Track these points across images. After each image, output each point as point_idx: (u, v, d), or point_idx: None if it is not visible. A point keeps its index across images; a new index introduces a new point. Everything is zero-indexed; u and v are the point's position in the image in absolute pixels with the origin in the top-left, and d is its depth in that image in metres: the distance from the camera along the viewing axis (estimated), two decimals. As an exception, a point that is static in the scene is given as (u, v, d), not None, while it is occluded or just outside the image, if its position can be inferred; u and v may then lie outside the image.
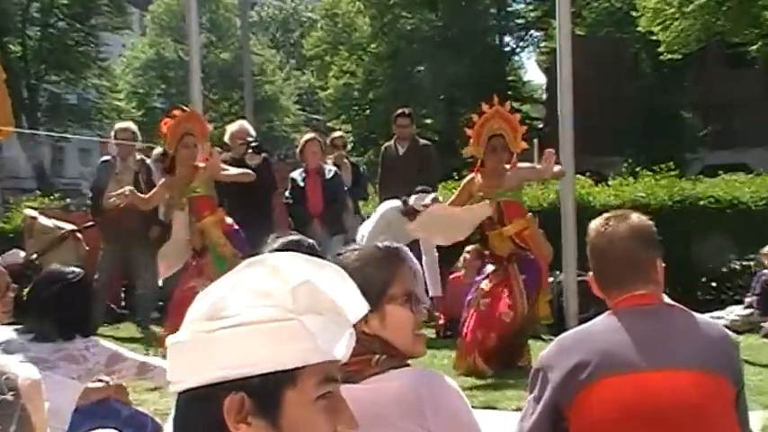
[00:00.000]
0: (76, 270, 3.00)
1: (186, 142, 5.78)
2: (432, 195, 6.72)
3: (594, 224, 2.13)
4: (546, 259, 5.61)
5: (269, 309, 1.04)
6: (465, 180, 5.79)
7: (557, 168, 5.53)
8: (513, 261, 5.52)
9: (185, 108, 6.10)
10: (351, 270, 1.79)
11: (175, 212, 5.85)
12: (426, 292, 7.26)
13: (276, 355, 1.03)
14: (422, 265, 7.34)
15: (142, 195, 6.13)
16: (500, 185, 5.52)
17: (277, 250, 2.65)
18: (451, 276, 7.47)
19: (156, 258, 7.46)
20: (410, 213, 6.90)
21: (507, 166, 5.58)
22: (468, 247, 7.27)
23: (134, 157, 7.68)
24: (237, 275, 1.08)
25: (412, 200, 6.95)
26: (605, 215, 2.15)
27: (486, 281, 5.62)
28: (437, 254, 7.43)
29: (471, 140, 5.61)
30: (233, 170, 6.00)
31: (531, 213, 5.73)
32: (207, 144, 5.86)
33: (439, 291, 7.40)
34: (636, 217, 2.11)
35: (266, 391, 1.03)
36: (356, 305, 1.12)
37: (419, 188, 6.90)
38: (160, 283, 8.49)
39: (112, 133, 7.70)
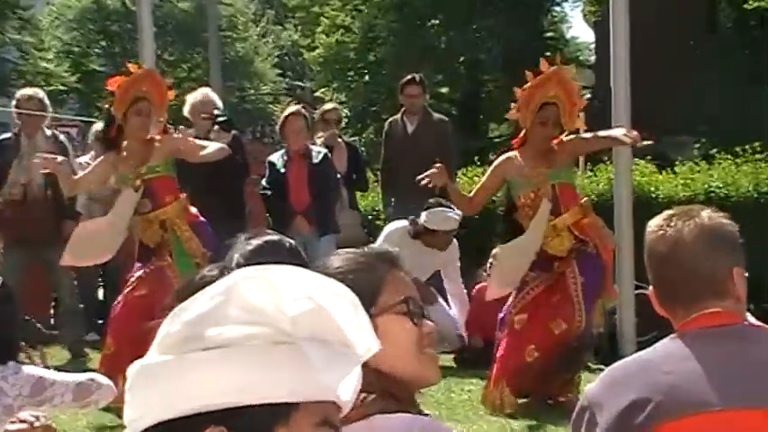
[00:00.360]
0: None
1: (140, 108, 5.77)
2: (451, 213, 6.76)
3: (654, 224, 2.14)
4: (610, 254, 5.64)
5: (261, 328, 1.06)
6: (498, 160, 5.80)
7: (633, 134, 5.52)
8: (572, 259, 5.54)
9: (141, 65, 6.10)
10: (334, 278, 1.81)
11: (125, 191, 5.79)
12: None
13: (266, 383, 1.05)
14: (446, 299, 7.37)
15: (73, 174, 6.13)
16: (551, 166, 5.54)
17: (249, 255, 2.66)
18: (477, 286, 7.50)
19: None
20: (421, 234, 6.97)
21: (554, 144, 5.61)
22: (496, 250, 7.28)
23: (43, 133, 7.62)
24: (223, 289, 1.10)
25: (423, 217, 7.00)
26: (668, 212, 2.16)
27: (526, 291, 5.62)
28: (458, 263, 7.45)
29: (518, 104, 5.61)
30: (203, 144, 5.98)
31: (586, 198, 5.77)
32: (163, 115, 5.87)
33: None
34: (708, 214, 2.11)
35: (252, 426, 1.05)
36: (368, 340, 1.14)
37: (431, 200, 6.95)
38: (101, 295, 8.58)
39: (14, 103, 7.66)
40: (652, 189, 8.63)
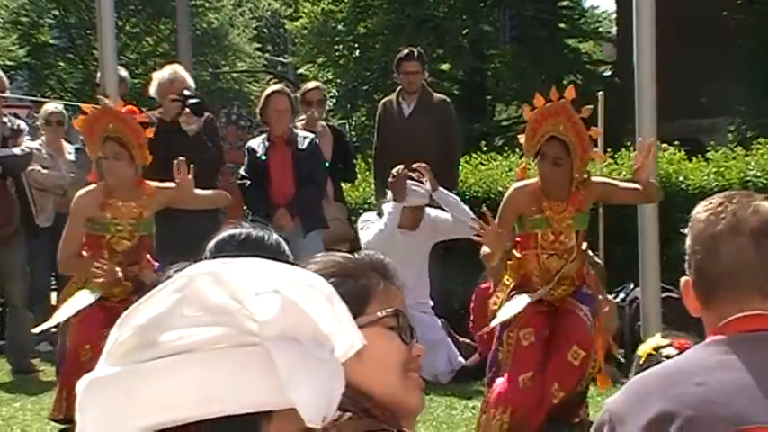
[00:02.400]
0: None
1: (106, 151, 5.69)
2: (416, 187, 6.88)
3: (705, 206, 2.11)
4: (600, 297, 5.79)
5: (222, 328, 1.06)
6: (509, 194, 5.83)
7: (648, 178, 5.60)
8: (566, 300, 5.65)
9: (101, 99, 6.04)
10: None
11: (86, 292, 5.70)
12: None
13: (231, 393, 1.05)
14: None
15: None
16: (577, 209, 5.60)
17: (224, 249, 2.68)
18: (481, 286, 7.54)
19: (23, 259, 7.56)
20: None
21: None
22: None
23: (0, 119, 7.69)
24: (178, 286, 1.10)
25: (388, 196, 7.14)
26: (722, 195, 2.15)
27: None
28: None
29: (527, 130, 5.67)
30: (201, 193, 5.92)
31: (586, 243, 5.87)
32: (145, 158, 5.76)
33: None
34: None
35: None
36: (348, 335, 1.14)
37: (413, 175, 7.04)
38: (53, 300, 8.59)
39: None
40: (681, 178, 8.65)
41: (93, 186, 5.84)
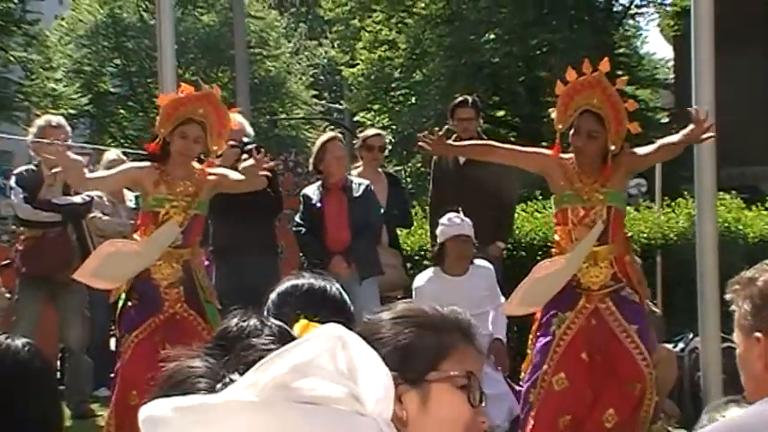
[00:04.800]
0: (24, 341, 2.94)
1: (185, 130, 5.80)
2: (455, 216, 6.90)
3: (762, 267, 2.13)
4: (645, 303, 5.64)
5: (346, 392, 1.14)
6: (544, 151, 5.81)
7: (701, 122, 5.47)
8: (605, 299, 5.51)
9: (204, 84, 6.17)
10: (387, 330, 1.83)
11: (169, 224, 5.83)
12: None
13: None
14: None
15: (91, 174, 6.24)
16: (605, 183, 5.52)
17: (287, 300, 2.69)
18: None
19: (83, 304, 7.65)
20: (441, 259, 7.14)
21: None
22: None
23: None
24: (326, 344, 1.18)
25: (439, 230, 7.15)
26: None
27: (555, 344, 5.56)
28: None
29: (558, 105, 5.62)
30: (234, 175, 6.02)
31: (631, 233, 5.76)
32: (221, 147, 5.91)
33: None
34: None
35: None
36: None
37: (451, 211, 7.07)
38: (113, 345, 8.66)
39: (33, 130, 7.87)
40: (740, 227, 8.56)
41: (149, 163, 5.94)
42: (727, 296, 2.26)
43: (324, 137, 7.87)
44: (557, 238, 5.73)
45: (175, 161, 5.84)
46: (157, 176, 5.85)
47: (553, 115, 5.62)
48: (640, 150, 5.66)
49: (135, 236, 6.02)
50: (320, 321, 2.41)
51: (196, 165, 5.94)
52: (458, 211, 7.19)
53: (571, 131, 5.56)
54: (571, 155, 5.63)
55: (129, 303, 5.84)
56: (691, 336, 7.34)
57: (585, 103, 5.50)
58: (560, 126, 5.56)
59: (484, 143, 5.91)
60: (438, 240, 7.33)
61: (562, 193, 5.62)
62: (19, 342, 2.86)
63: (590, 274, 5.52)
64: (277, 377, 1.15)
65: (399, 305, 1.92)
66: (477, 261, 7.35)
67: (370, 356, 1.16)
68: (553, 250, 5.75)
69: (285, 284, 2.79)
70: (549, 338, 5.54)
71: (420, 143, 5.85)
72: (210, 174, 5.90)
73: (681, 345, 7.59)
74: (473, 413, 1.81)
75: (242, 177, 5.90)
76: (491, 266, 7.43)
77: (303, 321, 2.43)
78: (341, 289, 2.72)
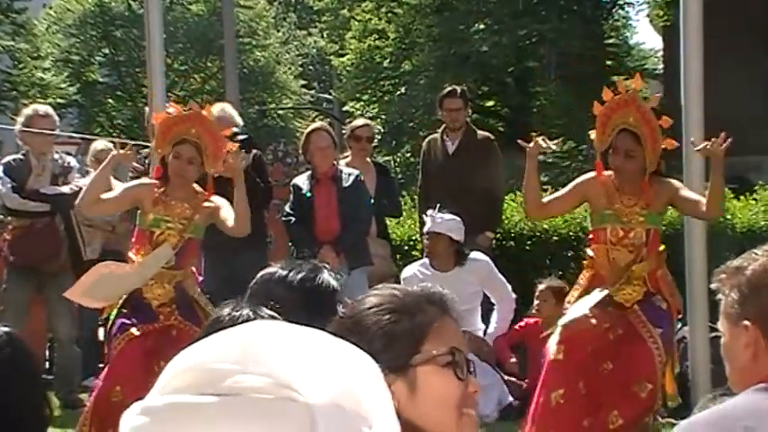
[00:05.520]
0: (1, 330, 2.94)
1: (179, 151, 5.74)
2: (442, 213, 6.93)
3: (755, 254, 2.13)
4: (677, 312, 5.66)
5: (271, 381, 1.10)
6: (583, 178, 5.83)
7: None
8: (634, 306, 5.53)
9: (198, 105, 6.09)
10: (366, 320, 1.84)
11: (163, 247, 5.77)
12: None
13: None
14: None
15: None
16: (647, 206, 5.54)
17: (271, 288, 2.69)
18: (526, 321, 7.53)
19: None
20: (429, 253, 7.19)
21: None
22: (542, 285, 7.36)
23: (51, 156, 7.82)
24: (246, 337, 1.15)
25: (428, 222, 7.18)
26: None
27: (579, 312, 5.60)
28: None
29: (597, 125, 5.66)
30: (228, 212, 5.83)
31: (663, 246, 5.77)
32: (217, 168, 5.79)
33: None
34: None
35: None
36: (387, 424, 1.17)
37: (443, 210, 7.09)
38: (101, 335, 8.64)
39: (21, 120, 7.85)
40: (728, 217, 8.57)
41: (152, 181, 5.92)
42: (714, 285, 2.27)
43: (309, 128, 7.88)
44: (590, 253, 5.74)
45: (174, 183, 5.80)
46: (157, 196, 5.80)
47: (592, 136, 5.67)
48: (690, 194, 5.66)
49: (130, 254, 5.93)
50: (287, 310, 2.42)
51: (198, 188, 5.87)
52: (438, 207, 7.21)
53: (610, 151, 5.59)
54: (611, 172, 5.66)
55: (124, 311, 5.80)
56: (679, 325, 7.36)
57: (622, 122, 5.54)
58: (600, 146, 5.61)
59: (539, 196, 5.90)
60: (425, 229, 7.39)
61: (602, 212, 5.64)
62: None
63: (624, 291, 5.57)
64: (183, 376, 1.13)
65: (373, 293, 1.91)
66: (473, 254, 7.36)
67: (309, 341, 1.14)
68: (585, 263, 5.76)
69: (270, 271, 2.80)
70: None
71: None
72: (208, 201, 5.83)
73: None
74: (462, 387, 1.81)
75: (233, 221, 5.80)
76: (486, 258, 7.44)
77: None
78: (333, 283, 2.72)
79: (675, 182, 5.73)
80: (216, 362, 1.11)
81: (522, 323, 7.64)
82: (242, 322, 1.52)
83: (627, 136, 5.51)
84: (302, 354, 1.12)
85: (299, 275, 2.73)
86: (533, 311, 7.53)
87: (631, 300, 5.53)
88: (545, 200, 5.93)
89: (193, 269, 5.99)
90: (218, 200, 5.86)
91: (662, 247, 5.70)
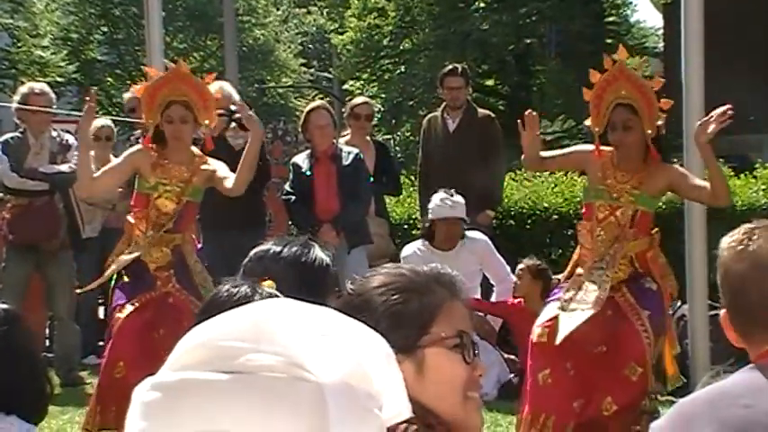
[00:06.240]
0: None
1: (170, 115, 5.72)
2: (446, 198, 6.94)
3: (730, 239, 2.14)
4: (669, 296, 5.61)
5: (283, 360, 1.11)
6: (583, 147, 5.81)
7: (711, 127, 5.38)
8: (622, 288, 5.51)
9: (171, 63, 6.11)
10: (374, 299, 1.84)
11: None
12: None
13: (277, 418, 1.09)
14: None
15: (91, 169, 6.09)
16: (639, 185, 5.50)
17: (266, 264, 2.70)
18: (512, 302, 7.53)
19: (70, 272, 7.65)
20: (431, 237, 7.20)
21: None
22: (521, 264, 7.35)
23: (49, 132, 7.82)
24: (255, 315, 1.16)
25: (438, 207, 7.17)
26: (747, 226, 2.16)
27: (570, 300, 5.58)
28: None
29: (591, 108, 5.62)
30: (224, 172, 5.84)
31: (657, 229, 5.74)
32: (211, 120, 5.81)
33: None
34: None
35: None
36: (398, 402, 1.18)
37: (444, 191, 7.10)
38: (101, 314, 8.66)
39: (17, 98, 7.85)
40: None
41: (140, 147, 5.95)
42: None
43: (308, 106, 7.86)
44: (580, 230, 5.71)
45: (172, 147, 5.78)
46: (155, 160, 5.79)
47: (588, 123, 5.64)
48: (695, 180, 5.57)
49: (128, 217, 5.96)
50: (285, 286, 2.43)
51: (196, 151, 5.88)
52: (450, 191, 7.21)
53: (609, 129, 5.54)
54: (611, 148, 5.60)
55: (124, 279, 5.82)
56: (678, 303, 7.38)
57: (615, 98, 5.47)
58: (597, 129, 5.55)
59: (539, 151, 5.85)
60: (429, 217, 7.36)
61: (595, 186, 5.59)
62: None
63: (613, 275, 5.53)
64: (192, 350, 1.13)
65: (381, 272, 1.91)
66: (471, 234, 7.37)
67: (321, 321, 1.15)
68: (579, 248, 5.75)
69: (266, 248, 2.81)
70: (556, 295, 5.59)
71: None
72: (206, 163, 5.83)
73: (669, 312, 7.63)
74: (469, 370, 1.82)
75: (233, 181, 5.81)
76: (485, 238, 7.44)
77: (268, 281, 2.45)
78: (324, 258, 2.73)
79: (678, 167, 5.67)
80: (228, 339, 1.12)
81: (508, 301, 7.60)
82: (240, 298, 1.52)
83: (622, 109, 5.46)
84: (314, 333, 1.13)
85: (292, 251, 2.74)
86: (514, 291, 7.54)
87: (617, 279, 5.51)
88: (543, 154, 5.89)
89: (193, 236, 5.98)
90: (214, 162, 5.87)
91: (655, 231, 5.66)
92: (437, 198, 7.26)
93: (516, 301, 7.44)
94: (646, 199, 5.52)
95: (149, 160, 5.79)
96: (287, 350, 1.10)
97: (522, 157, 5.91)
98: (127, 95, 8.59)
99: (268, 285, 2.37)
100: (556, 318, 5.39)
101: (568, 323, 5.33)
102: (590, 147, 5.72)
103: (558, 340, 5.31)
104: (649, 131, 5.43)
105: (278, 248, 2.76)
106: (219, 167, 5.84)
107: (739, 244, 2.11)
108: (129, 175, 6.03)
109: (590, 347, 5.46)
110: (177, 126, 5.71)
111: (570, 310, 5.38)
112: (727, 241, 2.15)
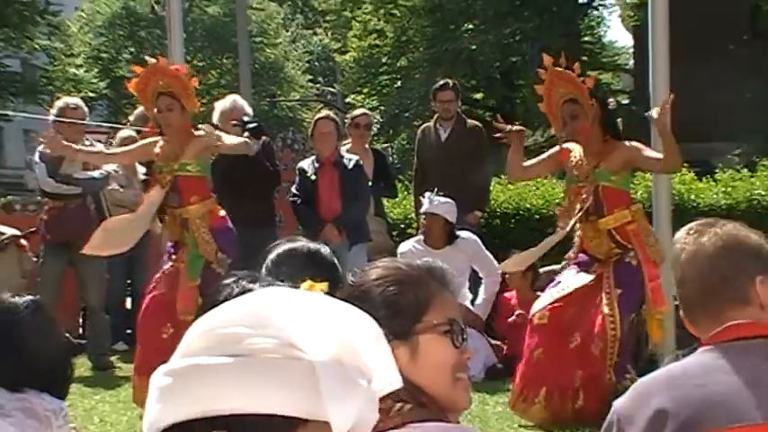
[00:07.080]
0: (28, 300, 2.95)
1: (160, 104, 5.87)
2: (436, 197, 6.95)
3: (676, 236, 2.16)
4: (655, 266, 5.58)
5: (283, 344, 1.11)
6: (557, 148, 5.85)
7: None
8: (608, 267, 5.54)
9: (152, 58, 6.16)
10: (373, 290, 1.84)
11: (153, 190, 5.92)
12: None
13: (276, 394, 1.09)
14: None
15: (97, 150, 6.47)
16: (600, 162, 5.54)
17: (284, 261, 2.69)
18: (504, 295, 7.52)
19: (100, 267, 7.68)
20: (425, 233, 7.21)
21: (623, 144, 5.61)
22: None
23: (82, 143, 7.83)
24: (253, 303, 1.15)
25: (426, 203, 7.17)
26: (690, 225, 2.18)
27: (566, 283, 5.62)
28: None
29: (549, 117, 5.69)
30: (228, 138, 6.07)
31: (640, 204, 5.76)
32: (193, 105, 5.93)
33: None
34: (730, 225, 2.13)
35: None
36: (388, 374, 1.18)
37: (439, 193, 7.10)
38: (128, 304, 8.66)
39: (54, 111, 7.87)
40: (692, 197, 8.59)
41: (158, 138, 6.05)
42: None
43: (316, 116, 7.87)
44: (558, 213, 5.87)
45: (168, 132, 5.93)
46: (159, 147, 5.95)
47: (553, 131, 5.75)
48: (650, 153, 5.62)
49: (144, 194, 6.20)
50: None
51: (196, 132, 5.96)
52: (436, 191, 7.22)
53: (565, 127, 5.62)
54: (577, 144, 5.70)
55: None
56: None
57: (559, 98, 5.58)
58: (562, 134, 5.65)
59: (522, 161, 5.93)
60: (421, 210, 7.40)
61: (569, 176, 5.73)
62: (20, 300, 2.91)
63: (593, 244, 5.58)
64: (199, 340, 1.14)
65: (379, 265, 1.92)
66: (463, 234, 7.35)
67: (313, 304, 1.15)
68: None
69: (282, 247, 2.80)
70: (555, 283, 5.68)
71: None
72: (197, 138, 5.91)
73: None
74: (458, 354, 1.82)
75: (230, 144, 5.97)
76: (475, 237, 7.42)
77: (308, 282, 2.43)
78: (330, 252, 2.73)
79: (635, 143, 5.68)
80: (231, 326, 1.13)
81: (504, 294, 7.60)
82: (241, 291, 1.52)
83: (566, 105, 5.59)
84: (306, 316, 1.13)
85: (306, 249, 2.74)
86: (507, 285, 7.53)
87: (602, 251, 5.55)
88: (525, 164, 5.96)
89: (216, 209, 6.00)
90: (205, 127, 6.04)
91: (635, 205, 5.70)
92: (426, 196, 7.30)
93: (508, 296, 7.46)
94: (604, 174, 5.56)
95: (155, 148, 5.95)
96: (283, 333, 1.11)
97: (507, 167, 5.97)
98: (136, 112, 8.64)
99: (320, 288, 2.37)
100: (555, 303, 5.49)
101: (541, 300, 5.53)
102: (566, 144, 5.80)
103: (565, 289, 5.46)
104: (586, 108, 5.46)
105: (299, 246, 2.76)
106: (211, 130, 6.02)
107: (681, 241, 2.14)
108: (139, 158, 6.42)
109: (572, 332, 5.53)
110: (164, 114, 5.87)
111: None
112: (675, 239, 2.18)
